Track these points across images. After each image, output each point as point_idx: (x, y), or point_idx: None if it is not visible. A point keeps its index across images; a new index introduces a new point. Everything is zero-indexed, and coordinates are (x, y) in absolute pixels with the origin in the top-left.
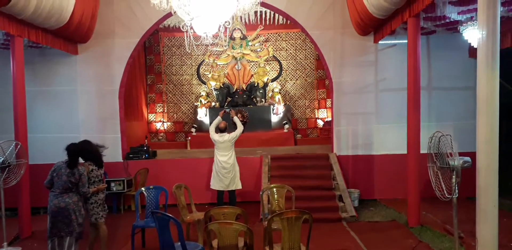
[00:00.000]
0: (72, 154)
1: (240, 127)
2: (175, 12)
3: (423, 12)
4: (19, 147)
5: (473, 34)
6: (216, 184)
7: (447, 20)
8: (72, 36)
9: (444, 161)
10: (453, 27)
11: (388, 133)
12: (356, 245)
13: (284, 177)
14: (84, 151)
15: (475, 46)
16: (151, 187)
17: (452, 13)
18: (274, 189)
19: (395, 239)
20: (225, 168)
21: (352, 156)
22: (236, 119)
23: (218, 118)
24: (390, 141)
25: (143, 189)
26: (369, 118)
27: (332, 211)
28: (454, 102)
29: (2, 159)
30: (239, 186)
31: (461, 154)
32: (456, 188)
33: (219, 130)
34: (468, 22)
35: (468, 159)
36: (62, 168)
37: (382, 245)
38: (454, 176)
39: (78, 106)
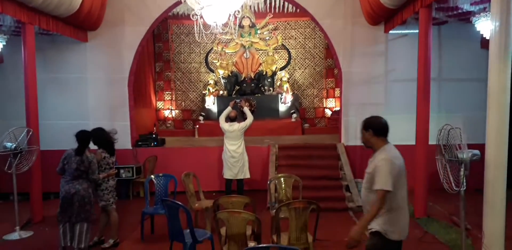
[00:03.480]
0: (81, 141)
1: (250, 118)
2: (184, 1)
3: (435, 3)
4: (30, 133)
5: (485, 26)
6: (225, 173)
7: (460, 11)
8: (82, 23)
9: (452, 153)
10: (466, 17)
11: (397, 123)
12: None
13: (292, 166)
14: (97, 138)
15: (487, 37)
16: (160, 174)
17: (465, 4)
18: (282, 179)
19: None
20: (234, 157)
21: (360, 146)
22: (246, 110)
23: (228, 108)
24: (398, 131)
25: (152, 176)
26: (378, 109)
27: (339, 201)
28: (464, 93)
29: (15, 145)
30: (248, 175)
31: (470, 146)
32: (464, 180)
33: (229, 119)
34: (481, 13)
35: (477, 152)
36: (72, 156)
37: None
38: (462, 169)
39: (87, 93)
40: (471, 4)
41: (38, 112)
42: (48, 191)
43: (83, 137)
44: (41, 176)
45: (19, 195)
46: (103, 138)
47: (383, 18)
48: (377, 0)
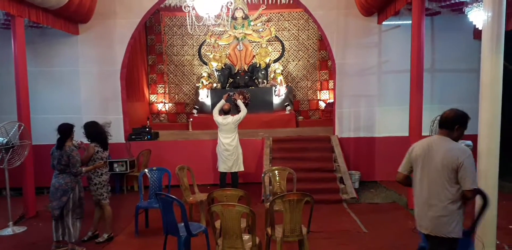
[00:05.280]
0: (61, 134)
1: (244, 110)
2: None
3: None
4: (22, 128)
5: (478, 16)
6: (220, 166)
7: (452, 1)
8: (72, 16)
9: None
10: (458, 8)
11: (390, 115)
12: (356, 226)
13: (286, 159)
14: (89, 132)
15: (480, 28)
16: (154, 168)
17: None
18: (276, 171)
19: (395, 220)
20: (228, 150)
21: (354, 138)
22: (240, 102)
23: (222, 101)
24: (392, 123)
25: (146, 170)
26: (371, 101)
27: (333, 193)
28: (457, 84)
29: (6, 140)
30: (242, 168)
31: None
32: None
33: (223, 112)
34: (474, 4)
35: (469, 142)
36: (55, 151)
37: (382, 226)
38: None
39: (79, 87)
40: None
41: (29, 106)
42: (41, 186)
43: (63, 129)
44: (33, 171)
45: (11, 190)
46: (95, 131)
47: (376, 9)
48: None
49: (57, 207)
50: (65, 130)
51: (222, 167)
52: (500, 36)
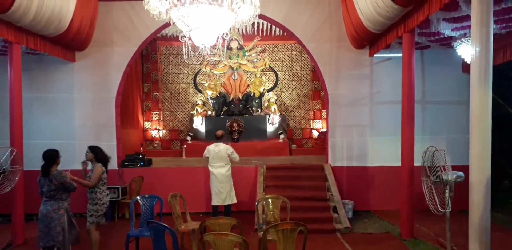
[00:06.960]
0: (46, 159)
1: (238, 158)
2: (173, 23)
3: (417, 28)
4: (14, 153)
5: (466, 50)
6: (213, 199)
7: (441, 36)
8: (70, 43)
9: (437, 175)
10: (447, 42)
11: (383, 145)
12: None
13: (279, 187)
14: (97, 154)
15: (468, 62)
16: (146, 195)
17: (446, 30)
18: (270, 200)
19: None
20: (222, 182)
21: (347, 167)
22: (235, 154)
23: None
24: (384, 153)
25: (138, 197)
26: (363, 131)
27: (327, 222)
28: (447, 116)
29: None
30: (235, 200)
31: (454, 167)
32: (449, 202)
33: (216, 138)
34: (462, 39)
35: (461, 173)
36: (42, 179)
37: None
38: (447, 190)
39: (74, 113)
40: (452, 30)
41: (22, 132)
42: (31, 213)
43: (49, 155)
44: (23, 197)
45: (0, 216)
46: (102, 154)
47: (367, 42)
48: (362, 24)
49: (48, 234)
50: (51, 156)
51: (216, 200)
52: (488, 70)
